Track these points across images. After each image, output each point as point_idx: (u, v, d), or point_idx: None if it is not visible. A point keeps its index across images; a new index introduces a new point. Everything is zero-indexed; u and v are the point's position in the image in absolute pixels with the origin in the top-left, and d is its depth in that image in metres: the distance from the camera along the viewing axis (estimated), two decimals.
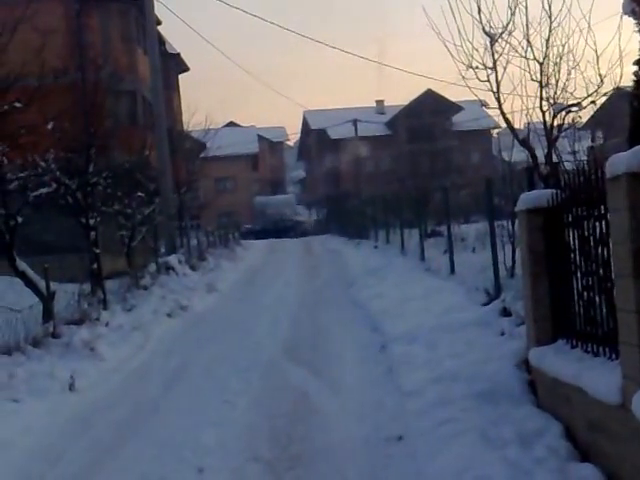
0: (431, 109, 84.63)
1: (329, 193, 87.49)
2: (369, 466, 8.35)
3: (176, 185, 33.98)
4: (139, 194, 25.78)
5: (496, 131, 72.94)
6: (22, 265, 16.63)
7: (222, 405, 11.06)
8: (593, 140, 19.58)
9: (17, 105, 15.16)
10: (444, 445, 8.09)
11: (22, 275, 16.64)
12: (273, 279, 28.87)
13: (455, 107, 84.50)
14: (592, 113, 14.83)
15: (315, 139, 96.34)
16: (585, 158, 13.96)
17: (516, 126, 13.55)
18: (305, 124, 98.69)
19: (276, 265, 35.99)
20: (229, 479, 8.31)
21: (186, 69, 54.15)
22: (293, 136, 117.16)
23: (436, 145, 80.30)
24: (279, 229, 74.04)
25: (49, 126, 17.88)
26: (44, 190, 17.98)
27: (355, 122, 79.33)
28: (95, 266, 19.94)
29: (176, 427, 10.21)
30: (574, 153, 13.22)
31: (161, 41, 39.34)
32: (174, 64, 50.34)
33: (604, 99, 13.54)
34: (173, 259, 26.45)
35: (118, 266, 24.69)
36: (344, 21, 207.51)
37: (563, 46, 12.70)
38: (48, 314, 15.77)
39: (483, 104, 14.67)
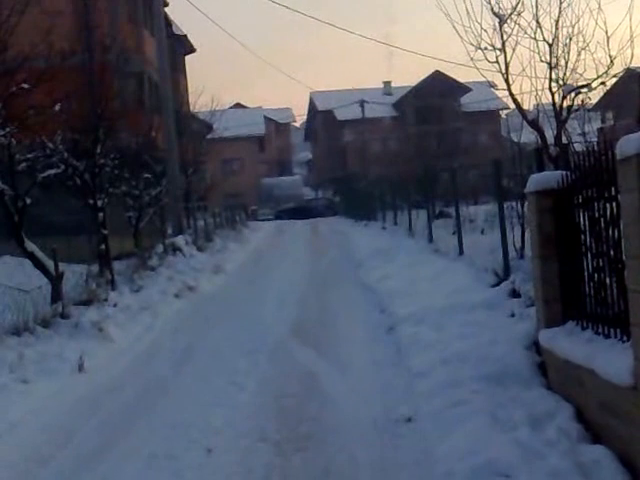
0: (439, 90, 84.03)
1: (336, 175, 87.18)
2: (378, 447, 8.33)
3: (183, 166, 33.93)
4: (146, 175, 25.78)
5: (505, 112, 72.51)
6: (31, 246, 16.63)
7: (230, 386, 11.06)
8: (603, 121, 19.46)
9: (25, 86, 15.12)
10: (454, 427, 8.07)
11: (31, 256, 16.64)
12: (280, 260, 28.90)
13: (463, 88, 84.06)
14: (602, 94, 14.78)
15: (322, 120, 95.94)
16: (595, 139, 13.87)
17: (525, 107, 13.52)
18: (312, 105, 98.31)
19: (283, 246, 36.05)
20: (238, 459, 8.27)
21: (193, 50, 54.05)
22: (300, 117, 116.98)
23: (444, 126, 79.80)
24: (312, 208, 73.85)
25: (57, 107, 17.82)
26: (52, 171, 17.99)
27: (362, 103, 79.11)
28: (103, 247, 19.92)
29: (185, 408, 10.22)
30: (584, 134, 13.17)
31: (168, 22, 39.23)
32: (181, 45, 50.26)
33: (614, 80, 13.48)
34: (180, 240, 26.47)
35: (125, 247, 24.71)
36: (352, 1, 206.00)
37: (573, 27, 12.68)
38: (57, 295, 15.79)
39: (492, 85, 14.59)
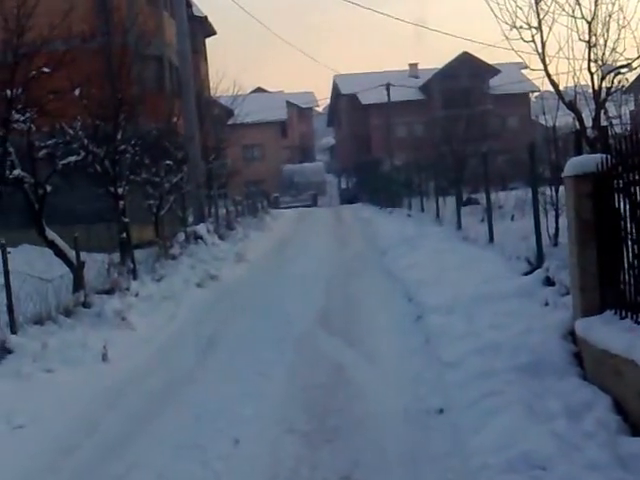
0: (467, 72, 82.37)
1: (360, 160, 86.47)
2: (409, 439, 8.18)
3: (204, 153, 33.64)
4: (167, 162, 25.57)
5: (535, 95, 71.39)
6: (51, 234, 16.51)
7: (256, 376, 10.95)
8: (637, 104, 19.11)
9: (45, 70, 14.92)
10: (488, 418, 7.90)
11: (52, 244, 16.52)
12: (303, 248, 28.69)
13: (492, 70, 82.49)
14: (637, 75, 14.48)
15: (345, 104, 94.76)
16: (629, 122, 13.58)
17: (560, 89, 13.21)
18: (335, 89, 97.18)
19: (306, 234, 35.85)
20: (266, 450, 8.21)
21: (213, 33, 53.61)
22: (323, 102, 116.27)
23: (472, 110, 77.94)
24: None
25: (76, 92, 17.62)
26: (72, 158, 17.78)
27: (388, 86, 78.12)
28: (124, 235, 19.75)
29: (210, 398, 10.15)
30: (620, 117, 12.85)
31: (188, 4, 38.82)
32: (201, 28, 49.71)
33: None
34: (202, 228, 26.27)
35: (146, 235, 24.53)
36: None
37: (613, 4, 12.40)
38: (78, 284, 15.68)
39: (525, 66, 14.25)
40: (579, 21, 12.53)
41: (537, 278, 12.44)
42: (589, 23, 12.37)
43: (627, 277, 7.83)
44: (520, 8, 12.88)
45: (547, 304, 11.07)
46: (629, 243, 7.74)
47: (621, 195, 7.88)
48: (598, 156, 8.64)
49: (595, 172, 8.47)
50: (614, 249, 8.14)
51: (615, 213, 8.05)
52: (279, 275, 21.69)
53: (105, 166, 19.60)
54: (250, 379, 10.82)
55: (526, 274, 13.40)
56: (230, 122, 48.13)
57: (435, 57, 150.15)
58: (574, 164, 8.91)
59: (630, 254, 7.72)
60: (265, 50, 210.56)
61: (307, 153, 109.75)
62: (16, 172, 15.15)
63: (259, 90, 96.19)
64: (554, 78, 12.89)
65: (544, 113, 15.18)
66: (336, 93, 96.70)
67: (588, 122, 12.54)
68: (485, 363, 9.50)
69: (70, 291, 15.39)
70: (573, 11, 12.51)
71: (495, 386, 8.64)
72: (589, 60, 12.41)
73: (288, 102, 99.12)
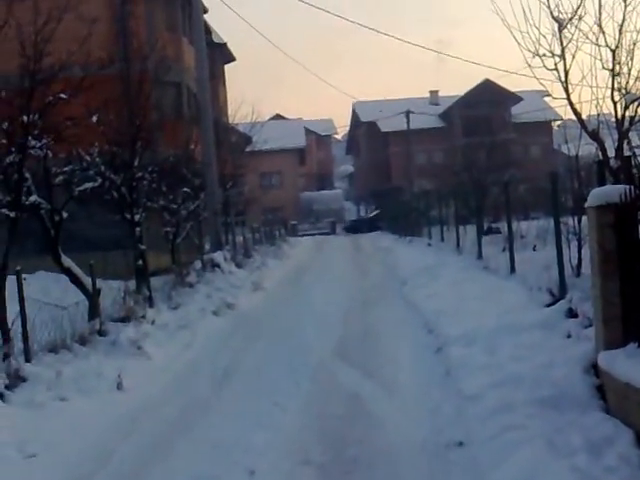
0: (488, 100, 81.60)
1: (379, 188, 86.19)
2: (428, 473, 8.08)
3: (221, 180, 33.60)
4: (184, 189, 25.55)
5: (557, 123, 70.73)
6: (67, 261, 16.44)
7: (272, 407, 10.83)
8: None
9: (62, 96, 14.88)
10: (508, 452, 7.76)
11: (67, 271, 16.45)
12: (321, 277, 28.56)
13: (514, 98, 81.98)
14: None
15: (365, 132, 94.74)
16: None
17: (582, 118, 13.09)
18: (354, 116, 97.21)
19: (324, 263, 35.72)
20: None
21: (232, 59, 53.68)
22: (342, 129, 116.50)
23: (493, 138, 77.27)
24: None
25: (94, 119, 17.60)
26: (89, 185, 17.73)
27: (408, 114, 77.95)
28: (140, 263, 19.68)
29: (226, 428, 10.06)
30: None
31: (207, 30, 38.89)
32: (220, 54, 49.80)
33: None
34: (218, 256, 26.17)
35: (162, 263, 24.49)
36: (398, 6, 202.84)
37: (638, 32, 12.28)
38: (94, 311, 15.64)
39: (548, 94, 14.14)
40: (603, 49, 12.45)
41: (560, 310, 12.23)
42: (613, 51, 12.27)
43: None
44: (543, 36, 12.79)
45: (570, 336, 10.88)
46: None
47: None
48: (621, 187, 8.52)
49: (618, 203, 8.34)
50: (638, 281, 8.00)
51: (638, 244, 7.92)
52: (296, 304, 21.52)
53: (122, 193, 19.58)
54: (266, 409, 10.70)
55: (548, 305, 13.21)
56: (248, 149, 48.04)
57: (456, 84, 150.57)
58: (597, 194, 8.79)
59: None
60: (284, 77, 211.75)
61: (325, 181, 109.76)
62: (32, 198, 15.07)
63: (278, 117, 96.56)
64: (577, 107, 12.79)
65: (566, 142, 15.05)
66: (355, 120, 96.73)
67: (611, 152, 12.40)
68: (506, 396, 9.34)
69: (85, 319, 15.33)
70: (597, 39, 12.44)
71: (516, 420, 8.50)
72: (612, 89, 12.28)
73: (307, 129, 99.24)
